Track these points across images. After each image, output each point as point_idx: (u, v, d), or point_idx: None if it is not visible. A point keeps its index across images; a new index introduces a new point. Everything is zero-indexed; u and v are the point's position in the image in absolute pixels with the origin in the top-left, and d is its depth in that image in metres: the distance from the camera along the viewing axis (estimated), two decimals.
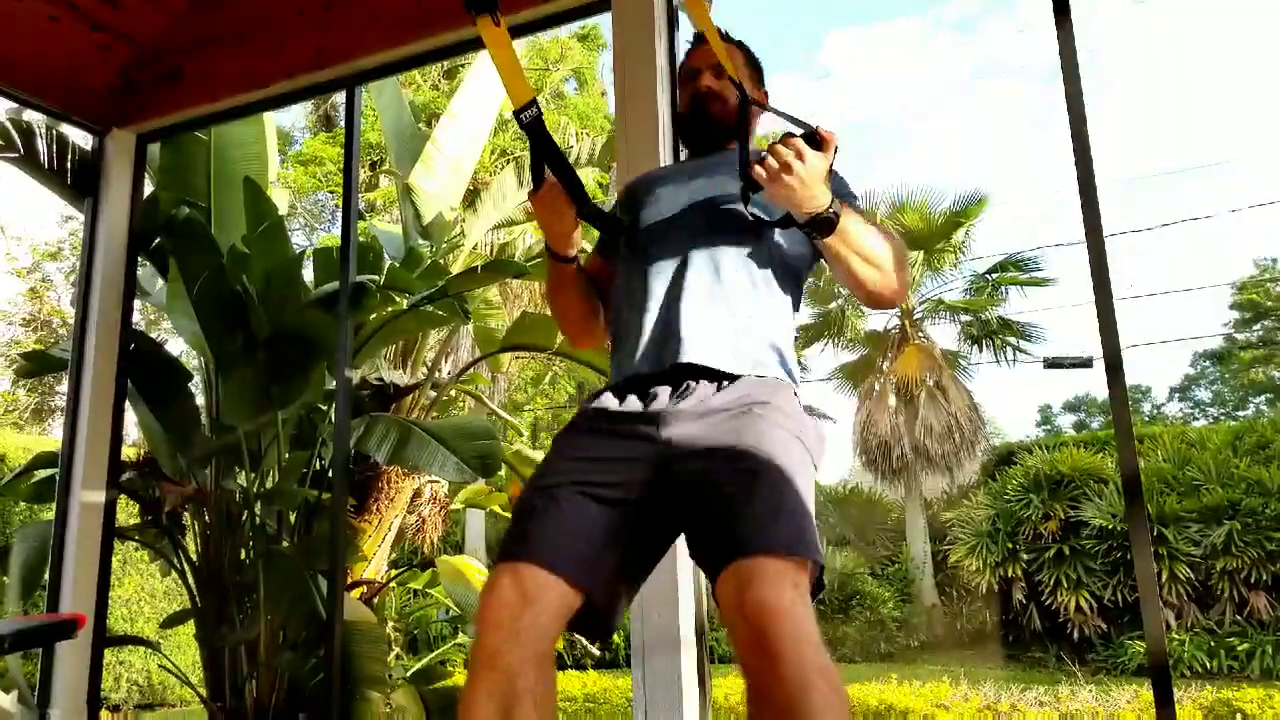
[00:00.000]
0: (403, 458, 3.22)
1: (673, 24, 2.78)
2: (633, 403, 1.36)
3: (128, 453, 3.89)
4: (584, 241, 1.60)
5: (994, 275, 13.53)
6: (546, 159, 1.41)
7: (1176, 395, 27.01)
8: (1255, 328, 22.36)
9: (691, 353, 1.35)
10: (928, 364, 13.02)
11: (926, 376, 12.92)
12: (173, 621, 4.02)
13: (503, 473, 3.95)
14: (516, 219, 4.67)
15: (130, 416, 3.68)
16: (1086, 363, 16.12)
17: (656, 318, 1.41)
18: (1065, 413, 28.27)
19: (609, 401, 1.38)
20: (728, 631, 1.12)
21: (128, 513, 4.64)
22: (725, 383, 1.34)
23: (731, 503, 1.17)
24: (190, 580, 3.64)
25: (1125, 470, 2.17)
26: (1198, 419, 25.15)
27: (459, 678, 5.41)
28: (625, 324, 1.46)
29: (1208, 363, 25.44)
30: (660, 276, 1.43)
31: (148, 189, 3.79)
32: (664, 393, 1.34)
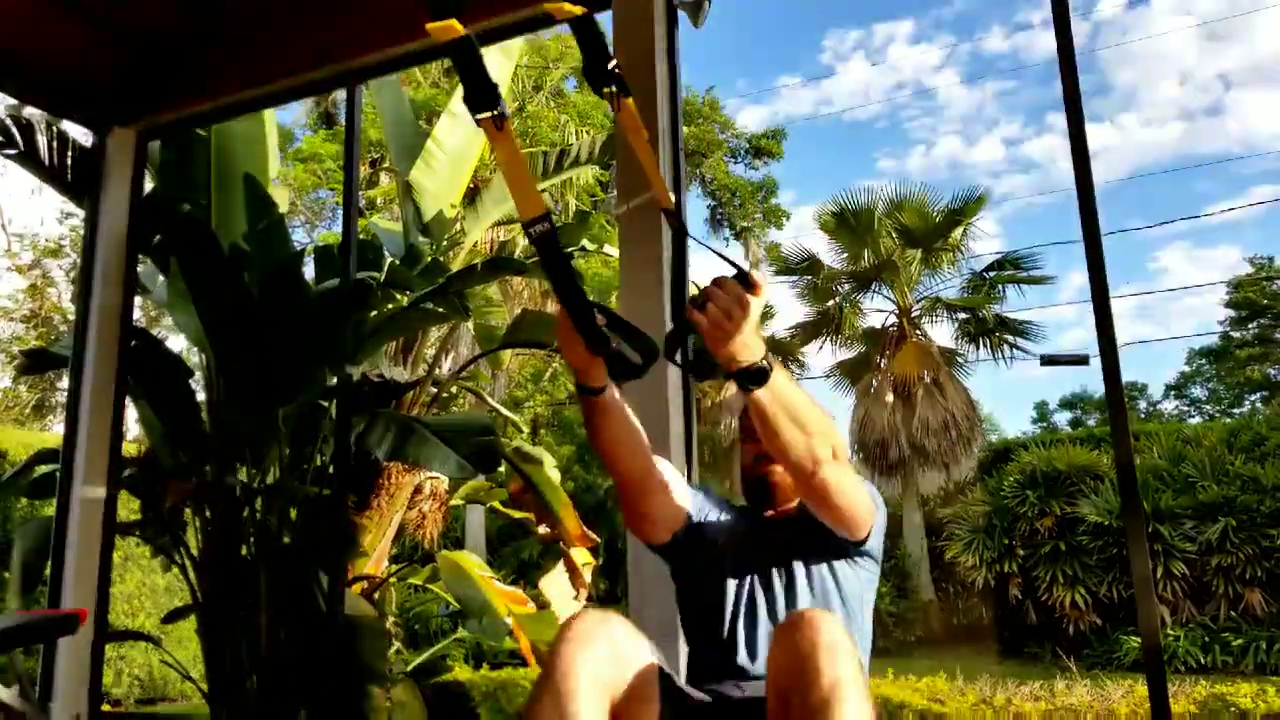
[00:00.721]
0: (403, 454, 3.23)
1: (672, 22, 2.79)
2: None
3: (128, 449, 3.91)
4: None
5: (991, 273, 13.56)
6: (554, 282, 1.28)
7: (1172, 393, 27.09)
8: (1251, 326, 22.43)
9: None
10: (925, 361, 13.05)
11: (924, 374, 12.95)
12: (174, 617, 4.04)
13: (502, 469, 3.97)
14: (516, 216, 4.68)
15: (131, 413, 3.70)
16: (1082, 359, 16.15)
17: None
18: (1062, 410, 28.37)
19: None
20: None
21: (129, 509, 4.66)
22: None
23: None
24: (191, 576, 3.65)
25: (1121, 467, 2.19)
26: (1193, 416, 25.25)
27: (459, 672, 5.44)
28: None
29: (1204, 360, 25.51)
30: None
31: (148, 186, 3.80)
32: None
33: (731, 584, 1.60)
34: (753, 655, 1.54)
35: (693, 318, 1.27)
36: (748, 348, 1.28)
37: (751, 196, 21.63)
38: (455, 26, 1.12)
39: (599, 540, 3.93)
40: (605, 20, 2.89)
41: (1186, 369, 26.17)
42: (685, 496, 1.70)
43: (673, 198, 1.52)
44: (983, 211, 13.45)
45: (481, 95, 1.17)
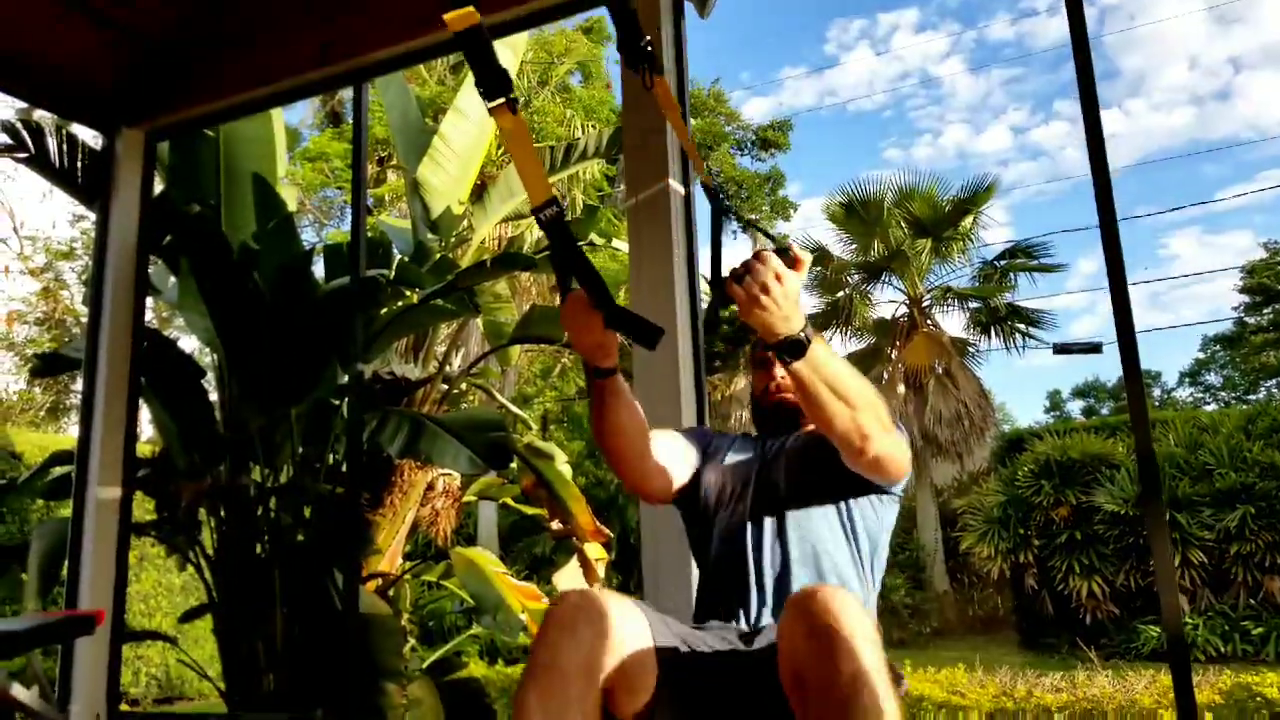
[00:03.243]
0: (416, 450, 3.23)
1: (678, 12, 2.77)
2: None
3: (143, 449, 3.92)
4: None
5: (1003, 262, 13.47)
6: (567, 262, 1.29)
7: (1187, 380, 26.87)
8: (1265, 311, 22.23)
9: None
10: (936, 352, 12.99)
11: (935, 364, 12.89)
12: (190, 616, 4.06)
13: (514, 465, 3.96)
14: (524, 211, 4.67)
15: (144, 414, 3.71)
16: (1096, 348, 16.04)
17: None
18: (1075, 398, 28.20)
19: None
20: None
21: (144, 509, 4.68)
22: None
23: None
24: (207, 575, 3.67)
25: (1140, 456, 2.17)
26: (1208, 403, 25.06)
27: (474, 668, 5.45)
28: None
29: (1218, 347, 25.30)
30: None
31: (158, 187, 3.80)
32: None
33: (740, 526, 1.58)
34: (762, 599, 1.51)
35: (730, 291, 1.28)
36: (786, 321, 1.27)
37: (759, 188, 21.57)
38: (473, 14, 1.15)
39: (611, 535, 3.92)
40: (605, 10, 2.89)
41: (1201, 355, 25.98)
42: (690, 456, 1.70)
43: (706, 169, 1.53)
44: (992, 200, 13.36)
45: (493, 82, 1.20)
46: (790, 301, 1.27)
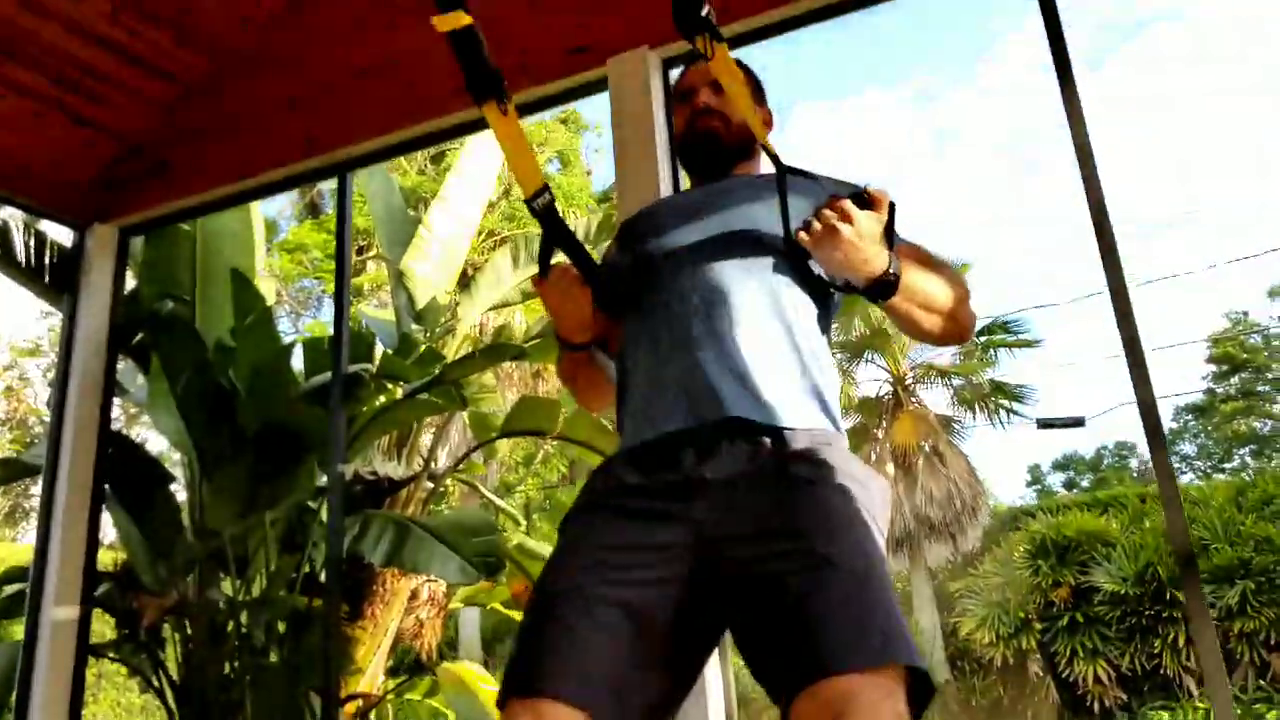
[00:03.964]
0: (400, 559, 3.02)
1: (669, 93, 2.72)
2: (656, 473, 1.14)
3: (104, 558, 3.66)
4: None
5: (983, 338, 13.54)
6: (559, 243, 1.33)
7: None
8: (1233, 380, 22.53)
9: (728, 405, 1.15)
10: (923, 429, 12.90)
11: (923, 442, 12.79)
12: None
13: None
14: (512, 300, 4.57)
15: (106, 518, 3.48)
16: (1078, 422, 16.06)
17: (682, 368, 1.20)
18: (1055, 471, 28.10)
19: (625, 473, 1.17)
20: None
21: (104, 623, 4.37)
22: (766, 440, 1.13)
23: (803, 602, 0.97)
24: (169, 699, 3.37)
25: (1176, 540, 2.04)
26: (1185, 472, 25.07)
27: None
28: (642, 376, 1.26)
29: (1189, 416, 25.48)
30: (680, 320, 1.24)
31: (130, 283, 3.66)
32: (690, 458, 1.13)
33: (666, 311, 1.28)
34: (697, 407, 1.18)
35: (798, 238, 1.23)
36: (867, 263, 1.21)
37: None
38: (462, 16, 1.16)
39: None
40: (588, 103, 2.84)
41: (1175, 425, 26.12)
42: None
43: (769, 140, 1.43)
44: (968, 276, 13.51)
45: (485, 83, 1.21)
46: (869, 240, 1.20)
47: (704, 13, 1.24)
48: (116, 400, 3.76)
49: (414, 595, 3.84)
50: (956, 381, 13.59)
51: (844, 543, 1.03)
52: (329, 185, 14.88)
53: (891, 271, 1.22)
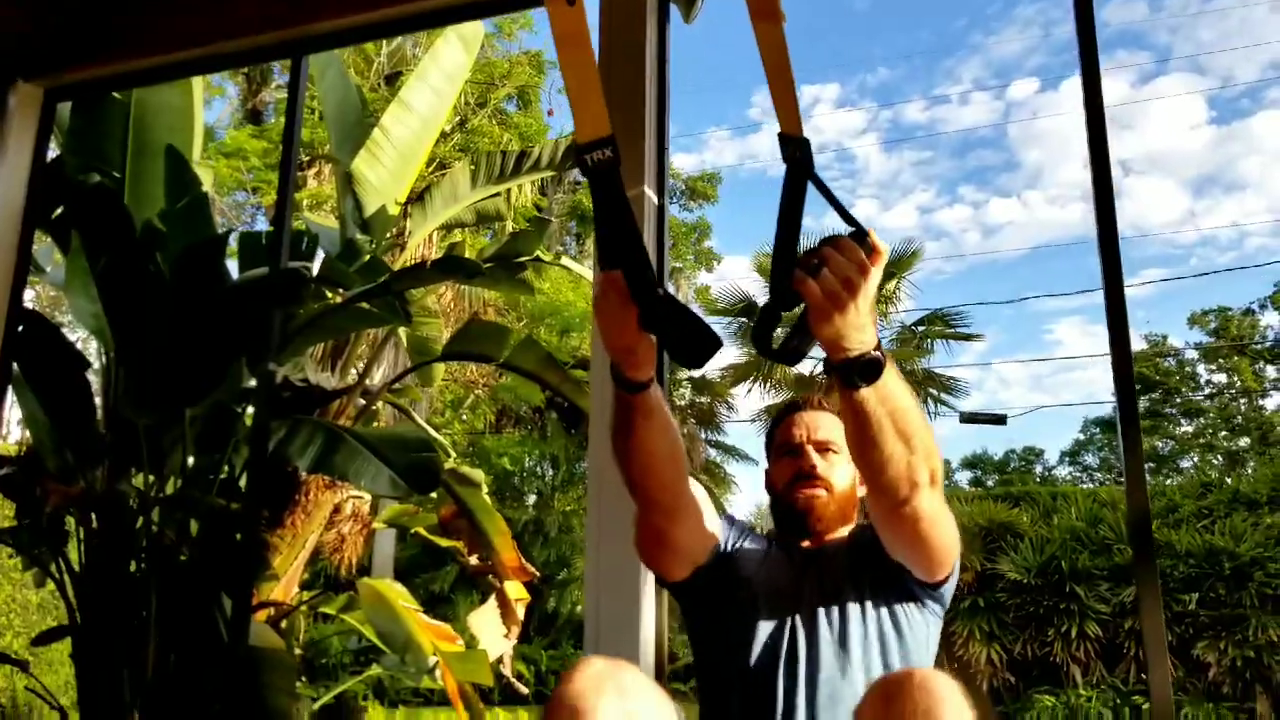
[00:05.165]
0: (329, 466, 2.88)
1: (663, 15, 2.62)
2: None
3: (7, 448, 3.44)
4: None
5: (921, 328, 13.79)
6: (608, 223, 1.00)
7: (1067, 459, 27.90)
8: (1143, 399, 23.51)
9: None
10: None
11: None
12: (46, 638, 3.54)
13: (434, 494, 3.63)
14: (467, 220, 4.40)
15: (13, 406, 3.24)
16: (1000, 419, 16.55)
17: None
18: (963, 469, 28.79)
19: None
20: None
21: (2, 513, 4.12)
22: None
23: None
24: (70, 593, 3.19)
25: (1134, 524, 2.04)
26: (1085, 482, 26.08)
27: (374, 715, 4.96)
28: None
29: (1097, 429, 26.45)
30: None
31: (53, 152, 3.40)
32: None
33: (766, 627, 1.30)
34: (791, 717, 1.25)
35: (803, 287, 1.01)
36: (860, 331, 1.02)
37: (685, 237, 21.71)
38: None
39: (537, 573, 3.61)
40: (592, 7, 2.70)
41: (1081, 436, 27.11)
42: (715, 523, 1.39)
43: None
44: (916, 266, 13.71)
45: None
46: (867, 305, 1.01)
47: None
48: (37, 285, 3.50)
49: (337, 509, 3.70)
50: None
51: None
52: (277, 96, 14.22)
53: (879, 352, 1.05)
